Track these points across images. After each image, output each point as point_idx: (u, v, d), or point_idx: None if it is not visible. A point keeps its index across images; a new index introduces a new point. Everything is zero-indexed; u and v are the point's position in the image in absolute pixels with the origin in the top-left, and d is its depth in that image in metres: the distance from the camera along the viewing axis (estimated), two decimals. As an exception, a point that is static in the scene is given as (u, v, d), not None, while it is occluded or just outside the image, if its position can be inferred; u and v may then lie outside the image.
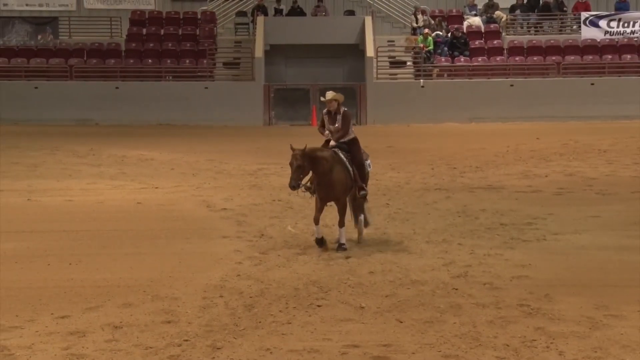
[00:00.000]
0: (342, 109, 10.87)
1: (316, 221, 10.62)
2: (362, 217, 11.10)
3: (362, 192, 10.76)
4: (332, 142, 10.77)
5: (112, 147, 22.08)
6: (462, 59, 30.61)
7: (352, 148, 10.76)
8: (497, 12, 32.31)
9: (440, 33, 31.17)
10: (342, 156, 10.64)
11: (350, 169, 10.62)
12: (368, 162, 11.07)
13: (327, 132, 10.88)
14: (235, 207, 13.58)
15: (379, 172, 16.43)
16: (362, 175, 10.75)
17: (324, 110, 10.95)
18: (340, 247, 10.50)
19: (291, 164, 10.29)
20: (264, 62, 30.20)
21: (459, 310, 8.06)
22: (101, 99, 29.22)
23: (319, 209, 10.65)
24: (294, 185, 10.28)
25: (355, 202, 11.02)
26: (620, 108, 28.55)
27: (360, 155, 10.80)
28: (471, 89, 29.48)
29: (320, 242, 10.59)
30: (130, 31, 32.03)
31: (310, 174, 10.54)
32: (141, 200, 14.38)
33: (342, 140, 10.76)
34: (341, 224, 10.60)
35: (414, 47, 31.00)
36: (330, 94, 10.80)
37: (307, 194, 10.83)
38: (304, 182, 10.58)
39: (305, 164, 10.27)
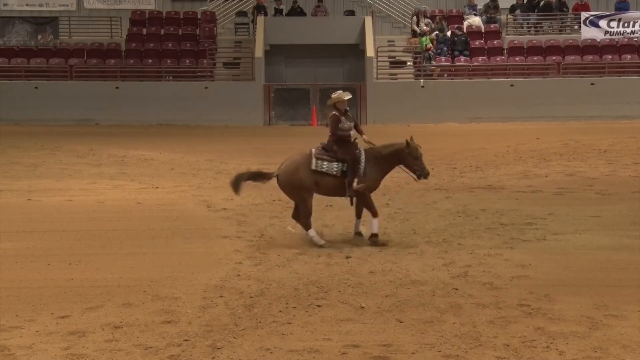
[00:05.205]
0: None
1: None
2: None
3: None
4: (364, 137, 10.90)
5: (112, 147, 22.08)
6: (462, 59, 30.62)
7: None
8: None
9: (440, 33, 31.17)
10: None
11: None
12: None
13: (351, 132, 10.88)
14: (235, 207, 13.58)
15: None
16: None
17: (337, 112, 10.82)
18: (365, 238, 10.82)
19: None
20: (264, 62, 30.21)
21: (459, 310, 8.06)
22: (101, 99, 29.23)
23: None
24: None
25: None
26: (620, 108, 28.56)
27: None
28: (471, 89, 29.49)
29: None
30: (130, 31, 32.04)
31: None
32: (141, 200, 14.38)
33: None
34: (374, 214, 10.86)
35: (415, 47, 31.01)
36: (343, 93, 10.86)
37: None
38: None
39: None
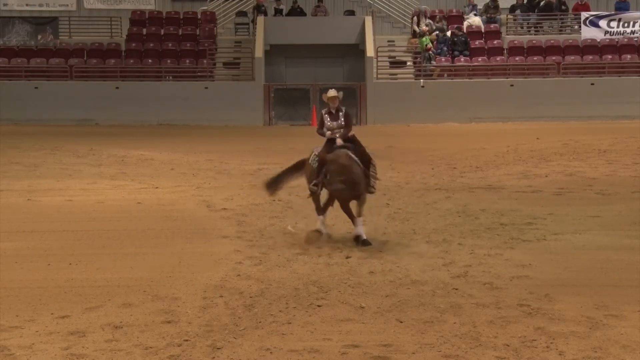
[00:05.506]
0: (342, 107, 11.01)
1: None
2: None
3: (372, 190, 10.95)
4: (338, 141, 10.80)
5: (112, 147, 22.08)
6: (462, 59, 30.62)
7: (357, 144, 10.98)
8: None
9: (440, 33, 31.18)
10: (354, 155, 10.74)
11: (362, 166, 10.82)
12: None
13: (328, 132, 10.90)
14: (235, 207, 13.58)
15: (378, 172, 16.38)
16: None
17: (324, 110, 10.99)
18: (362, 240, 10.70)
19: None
20: (264, 62, 30.22)
21: (459, 310, 8.06)
22: (101, 99, 29.24)
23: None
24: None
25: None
26: (620, 108, 28.57)
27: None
28: (471, 89, 29.49)
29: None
30: (130, 31, 32.05)
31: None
32: (141, 200, 14.38)
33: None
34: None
35: (415, 47, 31.02)
36: (333, 92, 10.91)
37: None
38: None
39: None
